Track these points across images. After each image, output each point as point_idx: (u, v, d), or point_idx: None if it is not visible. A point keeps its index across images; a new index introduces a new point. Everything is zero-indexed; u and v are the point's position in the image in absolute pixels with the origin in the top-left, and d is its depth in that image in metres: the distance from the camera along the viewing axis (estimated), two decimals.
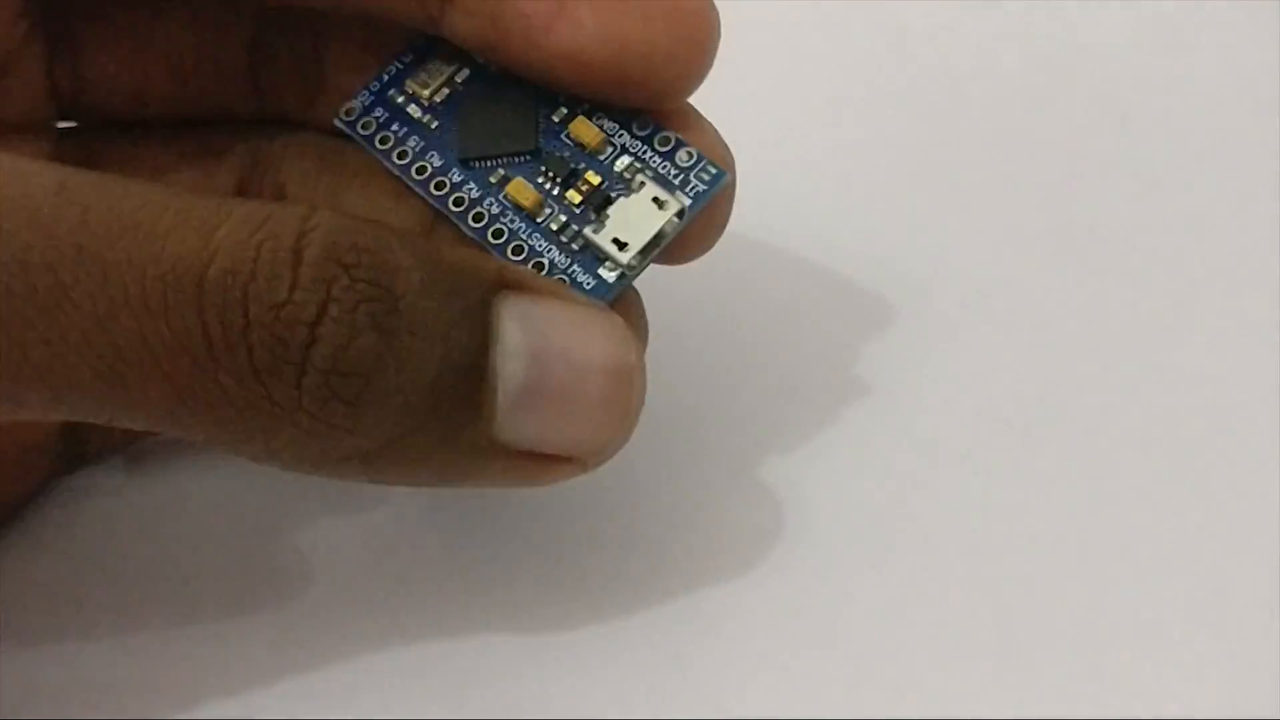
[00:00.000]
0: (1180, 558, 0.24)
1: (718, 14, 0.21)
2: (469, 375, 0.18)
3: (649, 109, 0.22)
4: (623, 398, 0.19)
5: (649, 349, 0.22)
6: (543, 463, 0.19)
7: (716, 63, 0.21)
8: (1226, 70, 0.32)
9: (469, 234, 0.22)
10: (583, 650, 0.23)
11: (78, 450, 0.24)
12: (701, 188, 0.21)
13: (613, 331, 0.20)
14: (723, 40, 0.22)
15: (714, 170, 0.21)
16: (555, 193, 0.22)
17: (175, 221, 0.17)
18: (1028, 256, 0.28)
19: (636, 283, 0.21)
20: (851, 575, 0.24)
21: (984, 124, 0.31)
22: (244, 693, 0.23)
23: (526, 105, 0.22)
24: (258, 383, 0.17)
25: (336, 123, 0.23)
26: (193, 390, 0.17)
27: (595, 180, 0.21)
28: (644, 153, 0.22)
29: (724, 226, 0.22)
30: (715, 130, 0.22)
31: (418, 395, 0.18)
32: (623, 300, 0.21)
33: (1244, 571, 0.23)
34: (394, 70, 0.23)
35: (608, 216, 0.21)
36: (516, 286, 0.19)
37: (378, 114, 0.23)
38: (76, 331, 0.17)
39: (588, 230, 0.21)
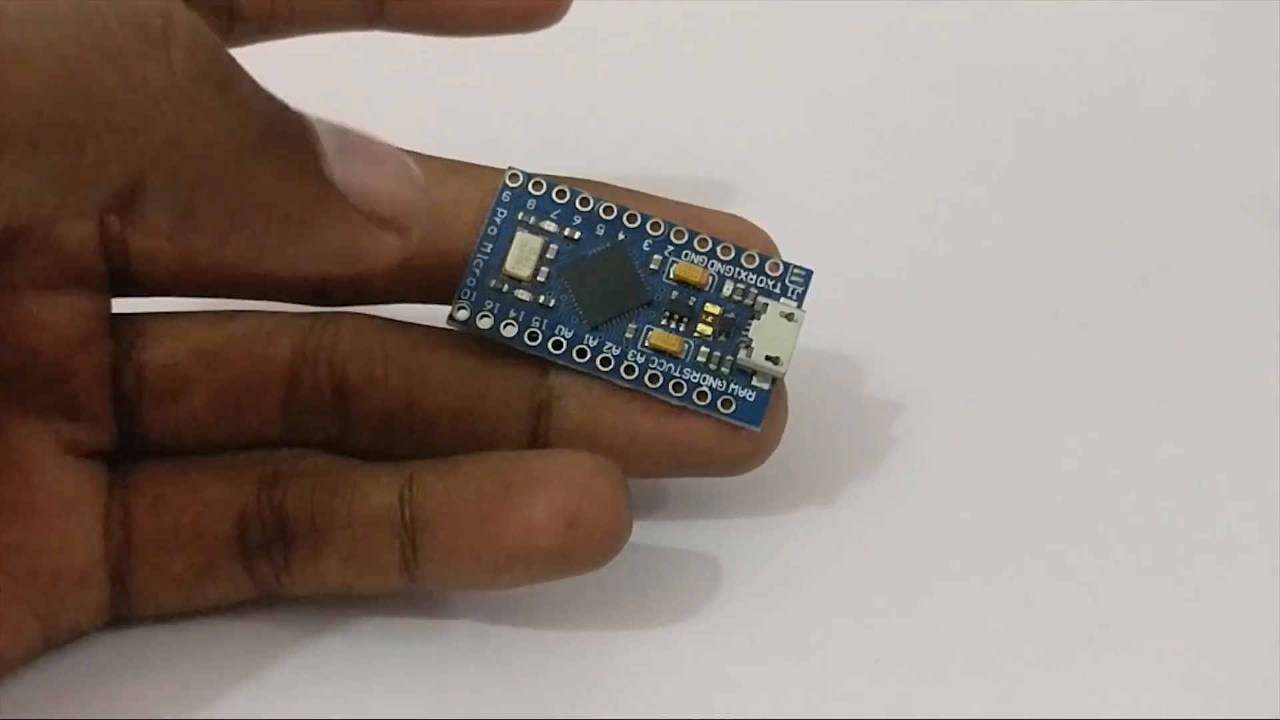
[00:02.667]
0: (1172, 648, 0.26)
1: None
2: (297, 125, 0.22)
3: None
4: (414, 171, 0.23)
5: None
6: (372, 231, 0.22)
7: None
8: (1216, 162, 0.33)
9: (626, 386, 0.25)
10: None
11: (124, 601, 0.26)
12: (801, 289, 0.26)
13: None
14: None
15: (802, 270, 0.26)
16: (683, 330, 0.26)
17: None
18: (1018, 353, 0.30)
19: None
20: (851, 674, 0.26)
21: (976, 218, 0.32)
22: None
23: (624, 262, 0.26)
24: None
25: (450, 325, 0.26)
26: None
27: (716, 310, 0.26)
28: (740, 274, 0.26)
29: None
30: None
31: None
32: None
33: (1232, 659, 0.26)
34: (480, 262, 0.26)
35: (750, 340, 0.25)
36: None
37: (489, 306, 0.25)
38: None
39: (741, 355, 0.25)
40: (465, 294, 0.26)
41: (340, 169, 0.22)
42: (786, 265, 0.26)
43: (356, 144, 0.22)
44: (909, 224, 0.32)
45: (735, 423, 0.25)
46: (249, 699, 0.26)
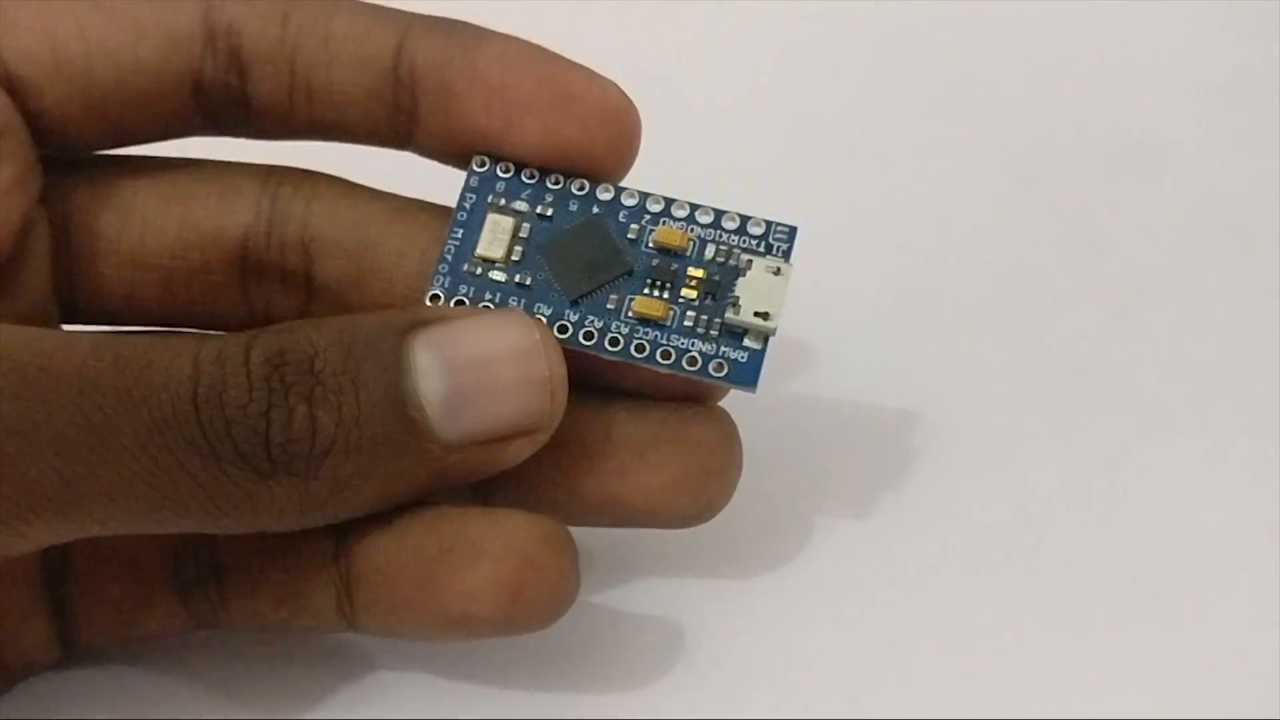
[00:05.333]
0: (1153, 677, 0.26)
1: (635, 108, 0.25)
2: (394, 404, 0.22)
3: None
4: (536, 371, 0.23)
5: None
6: (495, 446, 0.23)
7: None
8: (1197, 188, 0.33)
9: (612, 358, 0.24)
10: None
11: (68, 639, 0.26)
12: (786, 245, 0.25)
13: (511, 323, 0.24)
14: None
15: (786, 226, 0.25)
16: (668, 296, 0.24)
17: (172, 354, 0.22)
18: (999, 381, 0.30)
19: None
20: (830, 711, 0.26)
21: (955, 245, 0.32)
22: None
23: (601, 233, 0.25)
24: (245, 464, 0.22)
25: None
26: (207, 479, 0.22)
27: (700, 273, 0.24)
28: (722, 236, 0.25)
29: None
30: None
31: (357, 435, 0.22)
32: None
33: (1214, 685, 0.26)
34: (452, 247, 0.25)
35: (737, 297, 0.24)
36: (426, 322, 0.23)
37: (464, 290, 0.24)
38: (126, 452, 0.21)
39: (728, 314, 0.24)
40: (438, 280, 0.25)
41: (450, 429, 0.23)
42: (769, 224, 0.25)
43: (467, 386, 0.23)
44: (888, 250, 0.32)
45: (732, 385, 0.24)
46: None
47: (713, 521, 0.26)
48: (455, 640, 0.26)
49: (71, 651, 0.26)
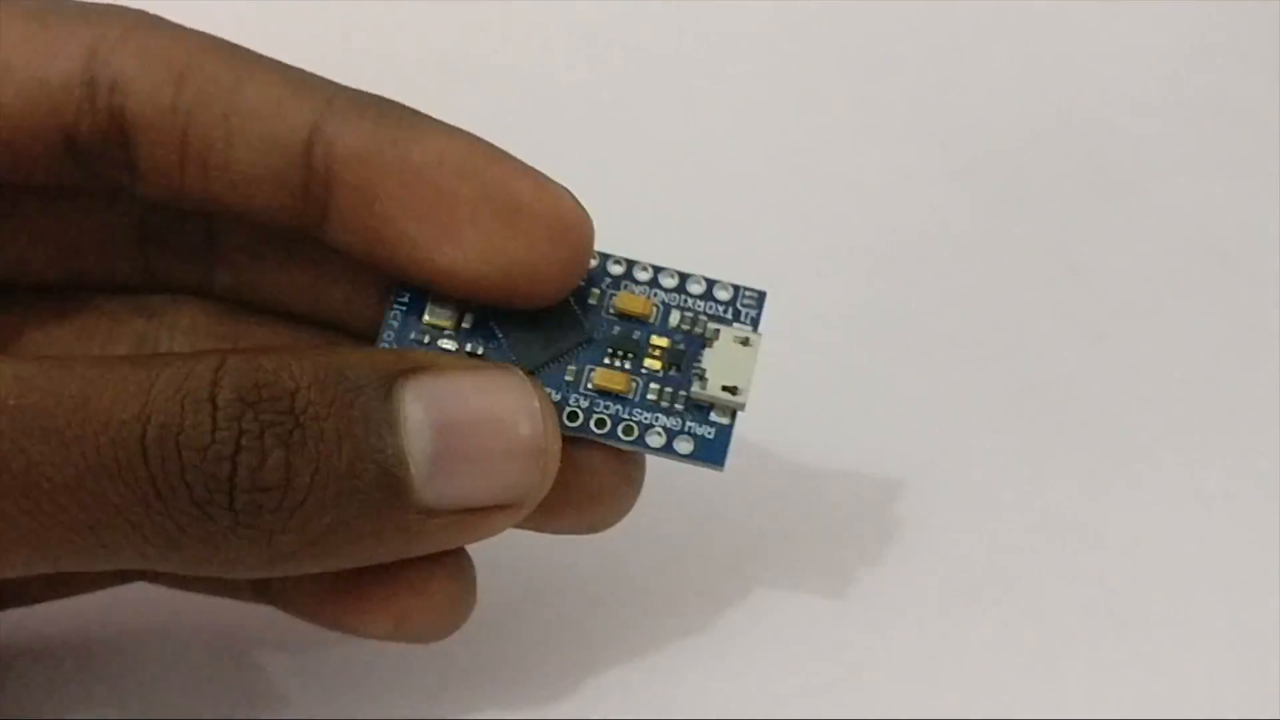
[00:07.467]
0: (1129, 706, 0.26)
1: (590, 220, 0.22)
2: (377, 459, 0.20)
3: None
4: (531, 442, 0.21)
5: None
6: (477, 516, 0.21)
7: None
8: (1176, 212, 0.32)
9: (570, 434, 0.23)
10: None
11: None
12: (755, 312, 0.23)
13: (509, 386, 0.22)
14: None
15: (754, 291, 0.23)
16: (629, 367, 0.23)
17: (116, 393, 0.20)
18: (975, 411, 0.29)
19: None
20: None
21: (930, 274, 0.31)
22: None
23: (558, 301, 0.23)
24: (201, 513, 0.20)
25: None
26: (151, 529, 0.20)
27: (664, 343, 0.23)
28: (687, 302, 0.23)
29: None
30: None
31: (334, 488, 0.20)
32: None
33: (1192, 716, 0.26)
34: (397, 315, 0.23)
35: (704, 369, 0.23)
36: (418, 370, 0.21)
37: None
38: (50, 499, 0.19)
39: (695, 388, 0.23)
40: (385, 347, 0.23)
41: (433, 493, 0.21)
42: (737, 288, 0.23)
43: (456, 449, 0.21)
44: (863, 280, 0.31)
45: (698, 464, 0.23)
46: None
47: (688, 552, 0.26)
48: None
49: None
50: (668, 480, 0.26)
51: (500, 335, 0.23)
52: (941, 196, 0.33)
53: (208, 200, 0.22)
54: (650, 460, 0.23)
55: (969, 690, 0.26)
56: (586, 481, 0.23)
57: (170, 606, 0.25)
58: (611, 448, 0.23)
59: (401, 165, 0.22)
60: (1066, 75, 0.35)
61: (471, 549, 0.23)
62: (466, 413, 0.21)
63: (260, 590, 0.24)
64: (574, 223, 0.22)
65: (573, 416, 0.23)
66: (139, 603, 0.25)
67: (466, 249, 0.22)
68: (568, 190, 0.22)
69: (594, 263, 0.23)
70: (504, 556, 0.26)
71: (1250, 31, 0.35)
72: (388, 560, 0.22)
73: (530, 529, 0.24)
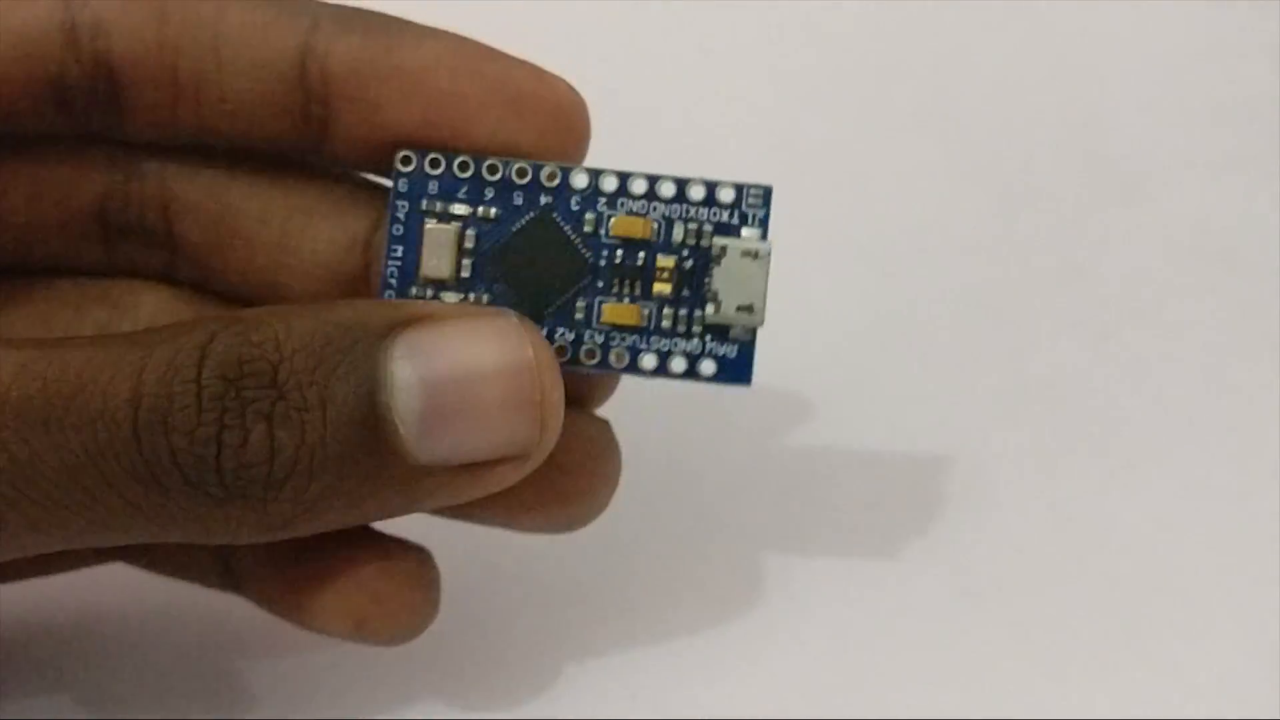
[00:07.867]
0: (1137, 706, 0.26)
1: (587, 105, 0.23)
2: (365, 422, 0.20)
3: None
4: (526, 392, 0.21)
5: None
6: (480, 470, 0.21)
7: None
8: (1182, 218, 0.32)
9: (591, 372, 0.22)
10: None
11: None
12: (762, 212, 0.22)
13: (503, 335, 0.21)
14: None
15: (759, 189, 0.22)
16: (639, 294, 0.22)
17: (112, 372, 0.20)
18: (979, 410, 0.29)
19: None
20: None
21: (935, 272, 0.31)
22: None
23: (553, 231, 0.22)
24: (196, 491, 0.20)
25: None
26: (150, 508, 0.20)
27: (669, 263, 0.22)
28: (690, 211, 0.22)
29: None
30: None
31: (321, 455, 0.20)
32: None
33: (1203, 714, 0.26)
34: (394, 271, 0.22)
35: (715, 291, 0.22)
36: (410, 322, 0.21)
37: None
38: (53, 486, 0.20)
39: (709, 312, 0.22)
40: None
41: (426, 450, 0.20)
42: (740, 187, 0.22)
43: (448, 405, 0.20)
44: (867, 277, 0.31)
45: (724, 385, 0.22)
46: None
47: (689, 552, 0.26)
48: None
49: None
50: (668, 479, 0.26)
51: (501, 278, 0.22)
52: (950, 198, 0.32)
53: (204, 133, 0.22)
54: (642, 454, 0.23)
55: (975, 690, 0.26)
56: (557, 480, 0.23)
57: (145, 606, 0.26)
58: (581, 431, 0.23)
59: (400, 72, 0.22)
60: (1070, 76, 0.34)
61: (461, 547, 0.24)
62: (456, 366, 0.21)
63: (226, 580, 0.25)
64: (572, 104, 0.22)
65: (590, 354, 0.22)
66: (112, 603, 0.26)
67: (474, 143, 0.22)
68: (562, 78, 0.22)
69: (584, 181, 0.22)
70: (502, 556, 0.26)
71: (1251, 31, 0.34)
72: (400, 516, 0.22)
73: (505, 527, 0.24)
